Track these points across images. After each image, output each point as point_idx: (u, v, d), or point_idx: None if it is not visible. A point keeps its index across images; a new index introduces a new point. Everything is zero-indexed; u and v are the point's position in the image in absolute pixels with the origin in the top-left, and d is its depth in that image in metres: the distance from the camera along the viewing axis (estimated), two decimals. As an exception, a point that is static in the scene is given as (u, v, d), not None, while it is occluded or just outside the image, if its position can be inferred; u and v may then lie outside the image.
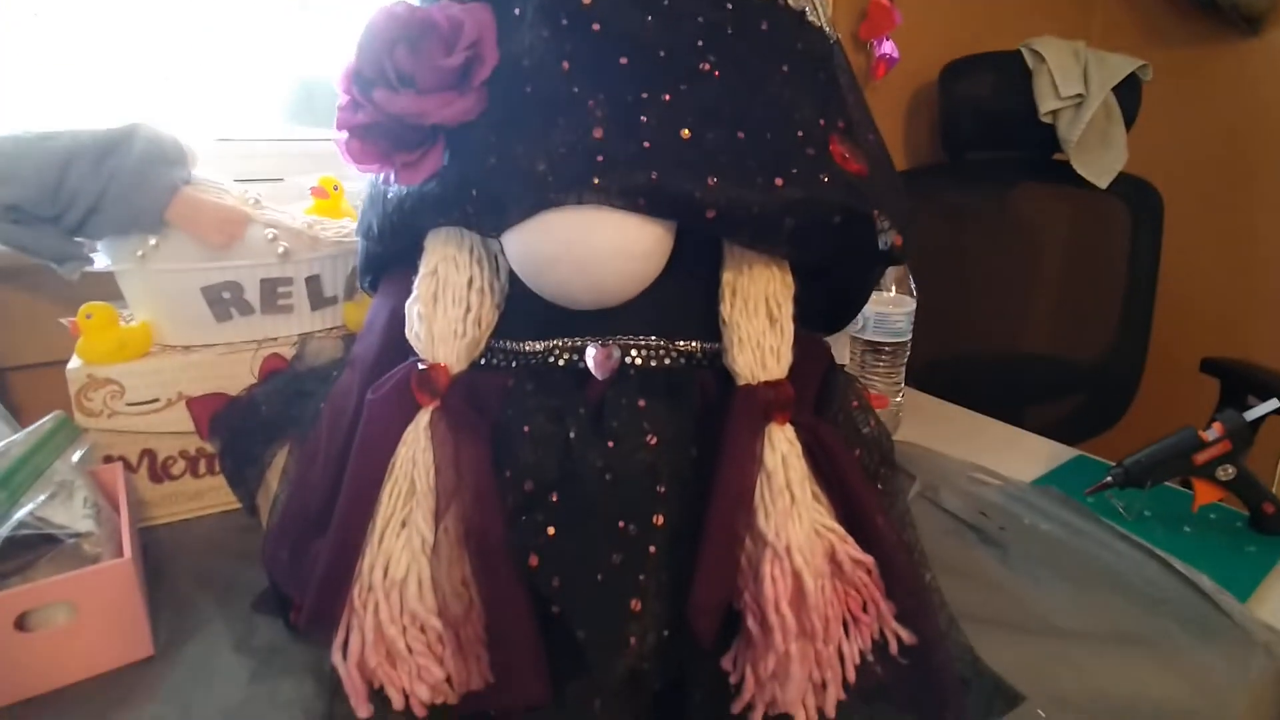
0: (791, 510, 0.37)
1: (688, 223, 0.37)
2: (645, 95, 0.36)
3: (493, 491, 0.39)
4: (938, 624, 0.42)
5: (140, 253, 0.61)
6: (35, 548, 0.48)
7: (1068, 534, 0.64)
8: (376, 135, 0.37)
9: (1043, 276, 1.41)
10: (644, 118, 0.36)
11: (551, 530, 0.36)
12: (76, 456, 0.56)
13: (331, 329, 0.70)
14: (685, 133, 0.36)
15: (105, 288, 0.65)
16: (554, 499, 0.37)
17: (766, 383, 0.39)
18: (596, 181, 0.35)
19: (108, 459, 0.62)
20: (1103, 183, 1.22)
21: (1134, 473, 0.66)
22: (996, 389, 1.36)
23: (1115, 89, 1.18)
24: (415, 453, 0.39)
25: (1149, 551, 0.61)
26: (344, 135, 0.37)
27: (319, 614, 0.41)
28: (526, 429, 0.39)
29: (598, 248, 0.36)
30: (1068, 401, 1.38)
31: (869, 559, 0.40)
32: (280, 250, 0.63)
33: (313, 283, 0.67)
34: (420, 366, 0.40)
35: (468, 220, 0.38)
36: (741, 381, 0.40)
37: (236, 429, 0.59)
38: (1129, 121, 1.20)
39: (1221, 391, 1.21)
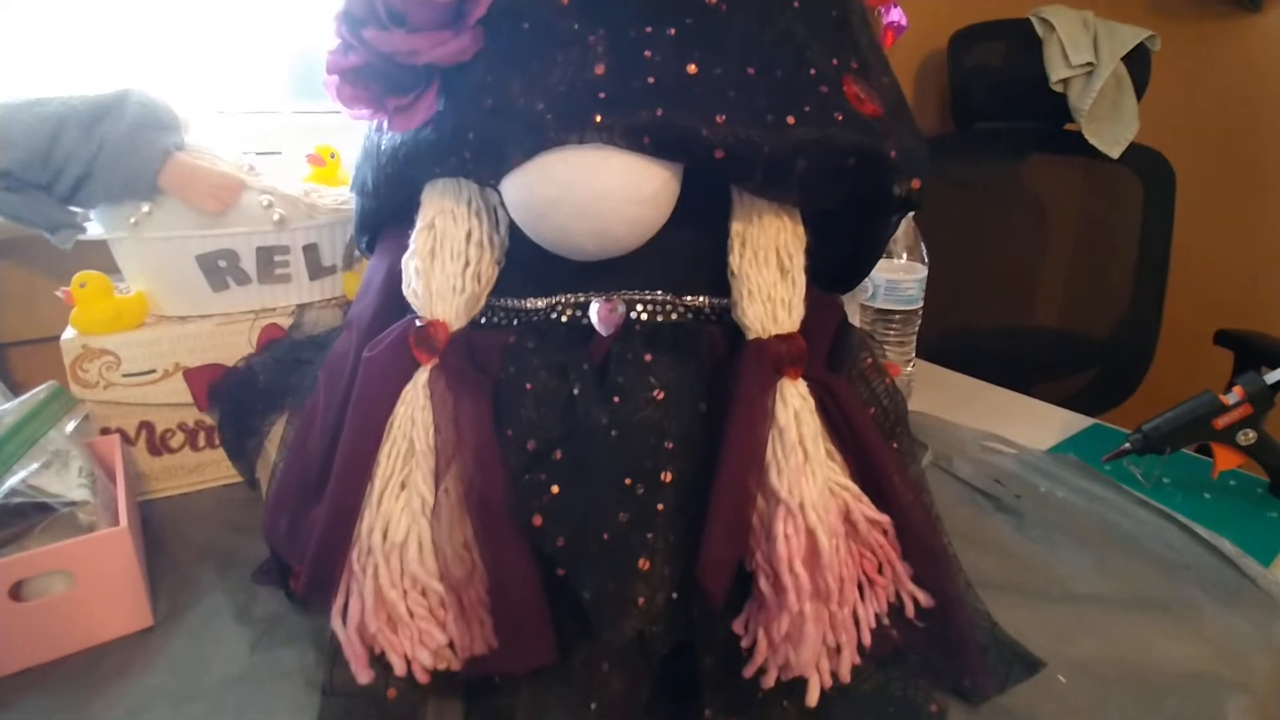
0: (805, 467, 0.36)
1: (695, 163, 0.36)
2: (649, 30, 0.34)
3: (494, 450, 0.37)
4: (957, 586, 0.41)
5: (133, 220, 0.60)
6: (29, 516, 0.47)
7: (1085, 501, 0.63)
8: (368, 78, 0.35)
9: (1054, 248, 1.39)
10: (648, 53, 0.34)
11: (555, 489, 0.35)
12: (71, 427, 0.55)
13: (330, 299, 0.69)
14: (691, 68, 0.34)
15: (101, 259, 0.64)
16: (557, 457, 0.36)
17: (778, 336, 0.38)
18: (599, 120, 0.33)
19: (105, 431, 0.61)
20: (1115, 153, 1.20)
21: (1153, 438, 0.64)
22: (1008, 362, 1.34)
23: (1125, 59, 1.15)
24: (414, 412, 0.38)
25: (1169, 517, 0.59)
26: (334, 79, 0.36)
27: (318, 579, 0.40)
28: (528, 386, 0.38)
29: (601, 190, 0.34)
30: (1080, 375, 1.36)
31: (885, 518, 0.39)
32: (276, 217, 0.62)
33: (310, 251, 0.65)
34: (418, 323, 0.39)
35: (465, 168, 0.37)
36: (752, 335, 0.38)
37: (234, 400, 0.58)
38: (1139, 92, 1.18)
39: (1236, 363, 1.19)
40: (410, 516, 0.37)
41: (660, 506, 0.35)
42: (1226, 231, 1.54)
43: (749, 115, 0.34)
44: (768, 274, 0.38)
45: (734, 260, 0.39)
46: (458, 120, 0.36)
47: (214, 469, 0.66)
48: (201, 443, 0.65)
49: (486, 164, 0.36)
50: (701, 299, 0.41)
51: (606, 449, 0.35)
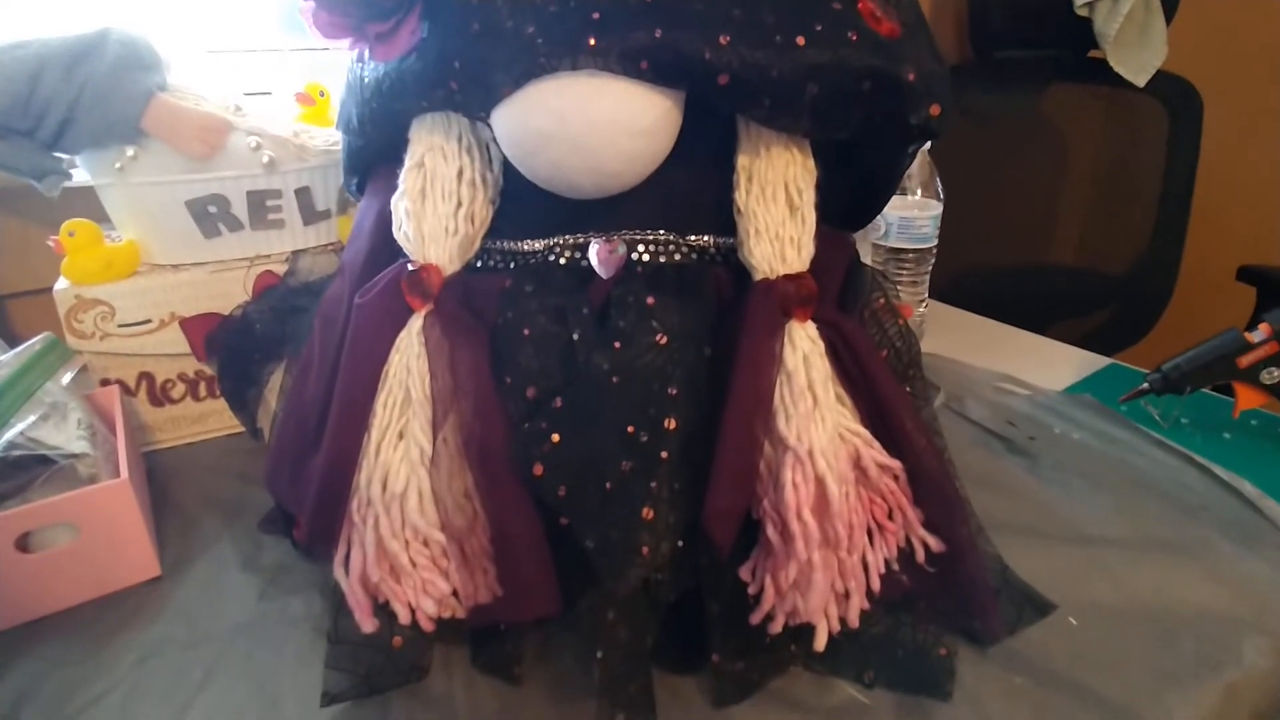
0: (814, 413, 0.35)
1: (698, 90, 0.33)
2: None
3: (493, 398, 0.36)
4: (968, 531, 0.40)
5: (118, 165, 0.58)
6: (29, 469, 0.47)
7: (1100, 442, 0.61)
8: (346, 2, 0.33)
9: (1073, 182, 1.34)
10: None
11: (556, 437, 0.34)
12: (68, 378, 0.54)
13: (326, 244, 0.67)
14: None
15: (92, 207, 0.62)
16: (558, 404, 0.35)
17: (786, 276, 0.36)
18: (593, 43, 0.31)
19: (105, 383, 0.61)
20: (1141, 81, 1.14)
21: (1172, 378, 0.62)
22: (1022, 301, 1.31)
23: (1157, -24, 1.09)
24: (409, 360, 0.36)
25: (1187, 458, 0.58)
26: (310, 4, 0.33)
27: (319, 530, 0.39)
28: (527, 331, 0.36)
29: (596, 120, 0.32)
30: (1097, 314, 1.33)
31: (896, 464, 0.38)
32: (265, 160, 0.60)
33: (303, 195, 0.63)
34: (410, 268, 0.37)
35: (453, 100, 0.34)
36: (759, 275, 0.37)
37: (232, 350, 0.57)
38: (1169, 15, 1.11)
39: (1258, 299, 1.16)
40: (409, 466, 0.36)
41: (664, 454, 0.34)
42: (1253, 164, 1.48)
43: (756, 36, 0.31)
44: (776, 211, 0.36)
45: (740, 196, 0.37)
46: (442, 47, 0.33)
47: (217, 419, 0.65)
48: (203, 393, 0.65)
49: (474, 95, 0.33)
50: (706, 238, 0.39)
51: (608, 396, 0.34)
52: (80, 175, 0.61)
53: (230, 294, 0.62)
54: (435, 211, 0.37)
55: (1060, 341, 0.85)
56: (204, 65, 0.84)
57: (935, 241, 0.75)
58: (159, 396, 0.63)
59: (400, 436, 0.37)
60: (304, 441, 0.42)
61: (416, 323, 0.37)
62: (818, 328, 0.36)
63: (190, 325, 0.62)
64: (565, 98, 0.32)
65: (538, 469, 0.34)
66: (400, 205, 0.38)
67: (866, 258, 0.77)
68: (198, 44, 0.83)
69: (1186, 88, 1.17)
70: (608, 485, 0.33)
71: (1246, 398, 0.62)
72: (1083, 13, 1.12)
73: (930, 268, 0.77)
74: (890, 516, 0.39)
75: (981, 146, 1.30)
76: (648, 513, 0.33)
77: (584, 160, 0.33)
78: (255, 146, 0.59)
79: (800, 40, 0.32)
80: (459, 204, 0.37)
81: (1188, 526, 0.52)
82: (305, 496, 0.40)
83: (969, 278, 1.32)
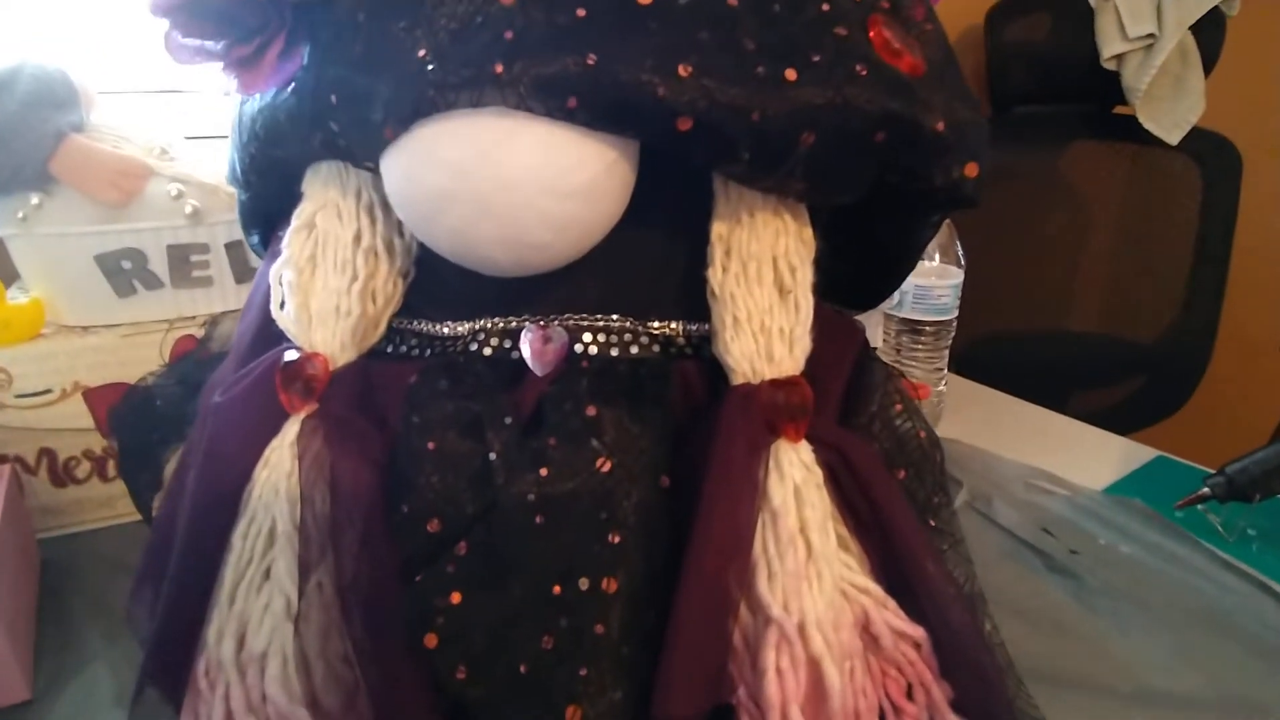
0: (807, 568, 0.26)
1: (650, 139, 0.25)
2: None
3: (385, 534, 0.27)
4: (1011, 709, 0.31)
5: (21, 214, 0.51)
6: None
7: (1156, 559, 0.52)
8: (201, 15, 0.25)
9: (1097, 245, 1.27)
10: None
11: (456, 596, 0.25)
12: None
13: (263, 305, 0.59)
14: None
15: (4, 261, 0.55)
16: (461, 550, 0.26)
17: (773, 381, 0.27)
18: (499, 70, 0.23)
19: (1, 459, 0.53)
20: (1174, 138, 1.07)
21: (1239, 483, 0.53)
22: (1042, 372, 1.24)
23: (1193, 27, 1.02)
24: (278, 479, 0.28)
25: (1263, 585, 0.48)
26: (163, 20, 0.26)
27: (165, 690, 0.30)
28: (432, 445, 0.28)
29: (508, 177, 0.24)
30: (1124, 386, 1.24)
31: (918, 631, 0.28)
32: (188, 209, 0.52)
33: (235, 250, 0.56)
34: (289, 356, 0.29)
35: (333, 144, 0.27)
36: (737, 378, 0.28)
37: (131, 427, 0.49)
38: (1208, 66, 1.05)
39: (1307, 376, 1.07)
40: (272, 621, 0.28)
41: (600, 628, 0.25)
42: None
43: (730, 66, 0.23)
44: (761, 295, 0.28)
45: (715, 275, 0.29)
46: (319, 76, 0.26)
47: (126, 503, 0.56)
48: (111, 473, 0.57)
49: (356, 136, 0.26)
50: (673, 325, 0.30)
51: (528, 540, 0.25)
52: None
53: (144, 361, 0.55)
54: (326, 286, 0.29)
55: (1080, 415, 0.75)
56: (147, 105, 0.78)
57: (956, 313, 0.67)
58: (61, 476, 0.55)
59: (265, 579, 0.28)
60: (168, 561, 0.33)
61: (292, 429, 0.28)
62: (814, 449, 0.27)
63: (95, 396, 0.54)
64: (464, 145, 0.24)
65: (430, 639, 0.25)
66: (283, 274, 0.30)
67: (879, 331, 0.68)
68: (146, 82, 0.77)
69: (1223, 143, 1.10)
70: (522, 668, 0.24)
71: (1328, 508, 0.53)
72: (1110, 65, 1.06)
73: (950, 341, 0.68)
74: (910, 695, 0.29)
75: (1000, 207, 1.23)
76: (573, 713, 0.24)
77: (496, 229, 0.24)
78: (177, 195, 0.52)
79: (790, 74, 0.23)
80: (354, 277, 0.29)
81: (1273, 679, 0.42)
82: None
83: (984, 346, 1.24)
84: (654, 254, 0.30)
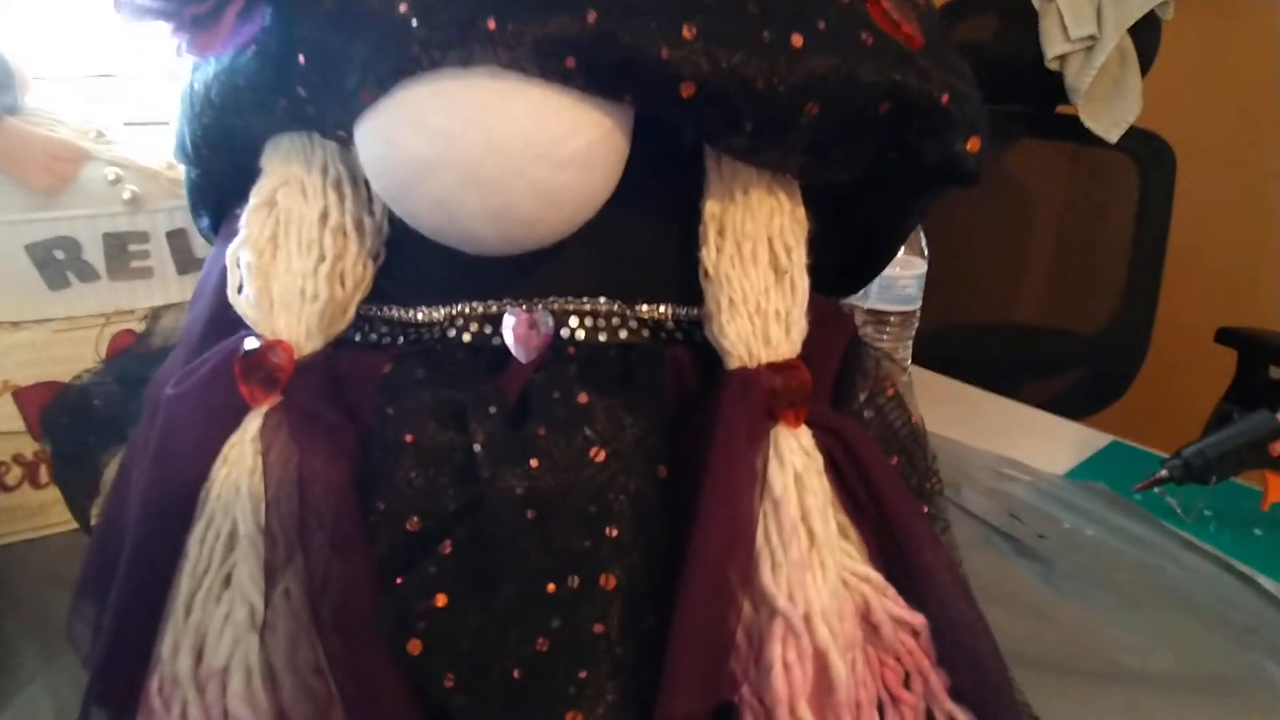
0: (810, 557, 0.25)
1: (650, 105, 0.24)
2: None
3: (359, 534, 0.25)
4: (1011, 699, 0.30)
5: (-59, 200, 0.47)
6: None
7: (1119, 541, 0.53)
8: (147, -29, 0.23)
9: (1041, 240, 1.32)
10: None
11: (442, 599, 0.23)
12: None
13: (207, 298, 0.56)
14: None
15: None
16: (446, 549, 0.24)
17: (771, 365, 0.27)
18: (492, 27, 0.21)
19: (-81, 467, 0.49)
20: (1113, 136, 1.11)
21: (1195, 466, 0.54)
22: (991, 362, 1.27)
23: (1131, 29, 1.05)
24: (239, 477, 0.26)
25: (1224, 564, 0.50)
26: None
27: (107, 707, 0.28)
28: (410, 438, 0.26)
29: (500, 142, 0.22)
30: (1068, 375, 1.29)
31: (918, 618, 0.28)
32: (126, 195, 0.49)
33: (177, 239, 0.53)
34: (249, 345, 0.27)
35: (301, 113, 0.24)
36: (734, 363, 0.27)
37: (66, 429, 0.45)
38: (1145, 67, 1.09)
39: (1240, 363, 1.12)
40: (234, 631, 0.25)
41: (598, 627, 0.23)
42: (1230, 221, 1.46)
43: (735, 29, 0.22)
44: (756, 275, 0.27)
45: (708, 256, 0.27)
46: (285, 35, 0.23)
47: (60, 510, 0.53)
48: (44, 479, 0.53)
49: (326, 100, 0.24)
50: (663, 309, 0.29)
51: (518, 537, 0.24)
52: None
53: (79, 358, 0.51)
54: (289, 268, 0.27)
55: (1027, 403, 0.78)
56: (91, 89, 0.73)
57: (919, 303, 0.67)
58: (-14, 483, 0.51)
59: (225, 586, 0.26)
60: (112, 572, 0.30)
61: (254, 423, 0.26)
62: (813, 435, 0.27)
63: (26, 396, 0.50)
64: (452, 108, 0.22)
65: (414, 645, 0.23)
66: (241, 256, 0.27)
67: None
68: (86, 67, 0.72)
69: (1159, 143, 1.14)
70: (515, 673, 0.23)
71: (1278, 489, 0.55)
72: (1054, 66, 1.09)
73: (914, 332, 0.68)
74: (907, 684, 0.29)
75: (946, 203, 1.26)
76: (573, 718, 0.22)
77: (483, 200, 0.23)
78: (114, 180, 0.49)
79: (797, 39, 0.22)
80: (321, 258, 0.27)
81: (1238, 654, 0.43)
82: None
83: (934, 338, 1.26)
84: (644, 234, 0.28)
